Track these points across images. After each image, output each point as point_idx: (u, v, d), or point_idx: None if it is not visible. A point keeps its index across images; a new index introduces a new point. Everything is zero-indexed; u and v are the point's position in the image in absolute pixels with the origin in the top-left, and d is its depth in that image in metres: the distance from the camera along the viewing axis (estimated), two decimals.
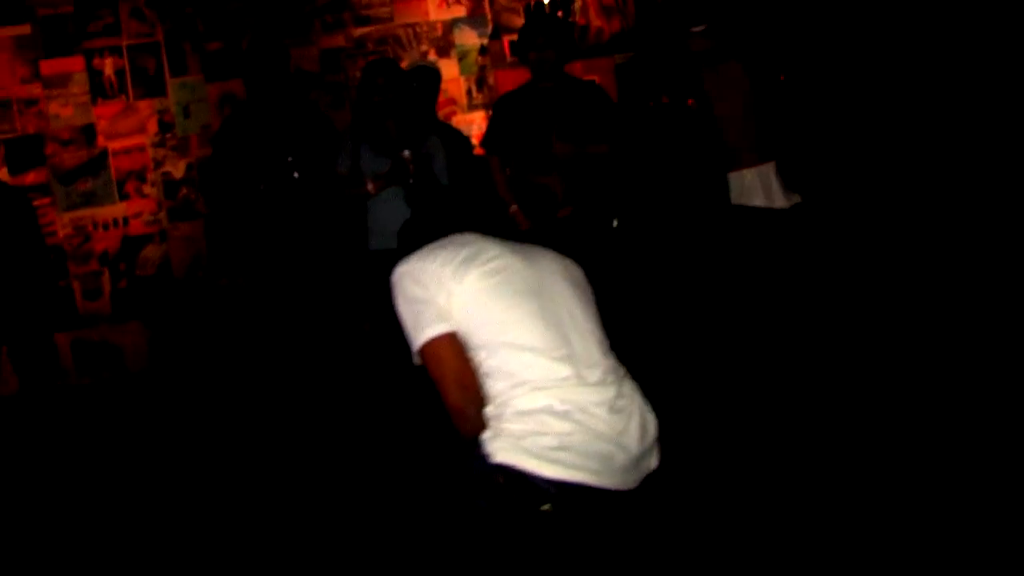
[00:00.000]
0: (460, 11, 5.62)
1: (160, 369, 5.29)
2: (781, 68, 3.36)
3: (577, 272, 2.09)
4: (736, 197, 3.49)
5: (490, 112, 4.66)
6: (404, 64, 4.73)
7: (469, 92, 5.69)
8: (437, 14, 5.60)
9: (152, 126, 5.29)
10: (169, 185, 5.35)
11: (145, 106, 5.27)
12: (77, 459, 3.97)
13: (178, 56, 5.29)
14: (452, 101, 5.58)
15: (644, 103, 3.51)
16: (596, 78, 4.82)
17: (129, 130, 5.25)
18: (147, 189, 5.31)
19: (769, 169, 3.45)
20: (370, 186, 3.82)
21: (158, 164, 5.32)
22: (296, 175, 3.92)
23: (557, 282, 1.99)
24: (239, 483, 3.56)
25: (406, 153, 3.73)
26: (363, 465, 3.50)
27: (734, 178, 3.47)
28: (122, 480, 3.75)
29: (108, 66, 5.20)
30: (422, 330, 1.89)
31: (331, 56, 5.51)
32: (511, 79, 5.07)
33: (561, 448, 1.77)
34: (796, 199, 3.49)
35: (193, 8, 5.27)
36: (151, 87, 5.28)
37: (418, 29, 5.58)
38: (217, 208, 4.80)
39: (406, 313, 1.94)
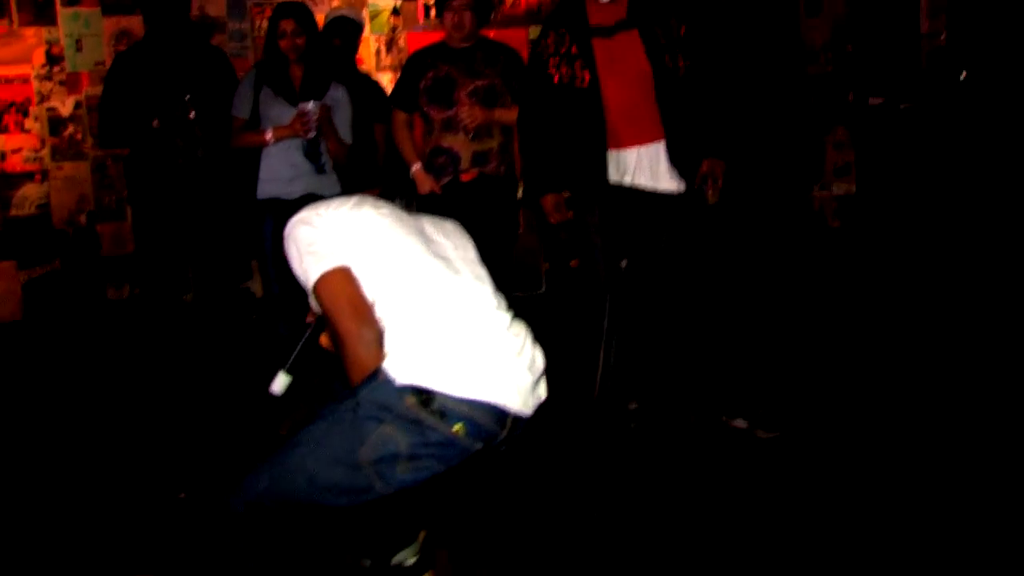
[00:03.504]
0: None
1: (34, 317, 5.02)
2: (683, 45, 3.21)
3: (460, 228, 2.19)
4: (617, 176, 3.24)
5: (399, 72, 4.56)
6: (320, 16, 4.57)
7: (378, 52, 5.58)
8: None
9: (39, 57, 4.98)
10: (54, 122, 5.06)
11: (31, 34, 4.94)
12: None
13: None
14: (361, 61, 5.45)
15: (546, 80, 3.33)
16: None
17: (11, 58, 4.91)
18: (29, 124, 5.00)
19: (658, 149, 3.19)
20: (269, 135, 3.69)
21: (43, 98, 5.02)
22: (192, 115, 3.76)
23: (442, 227, 2.12)
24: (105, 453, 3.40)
25: (309, 106, 3.61)
26: (246, 415, 3.37)
27: (616, 156, 3.23)
28: None
29: None
30: (317, 269, 1.88)
31: (238, 2, 5.31)
32: (422, 42, 4.98)
33: (469, 368, 1.79)
34: (683, 185, 3.22)
35: None
36: (40, 14, 4.96)
37: None
38: (110, 145, 4.58)
39: (301, 260, 1.92)
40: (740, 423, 3.21)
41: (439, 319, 1.84)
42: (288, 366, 2.04)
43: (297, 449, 1.81)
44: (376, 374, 1.80)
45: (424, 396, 1.76)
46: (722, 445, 3.13)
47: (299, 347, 2.06)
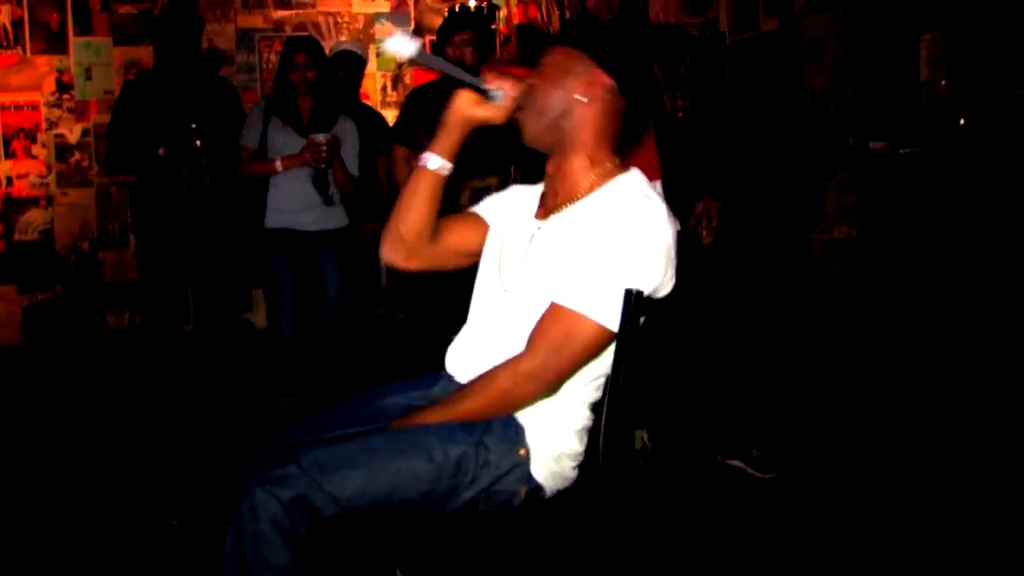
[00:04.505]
0: (384, 6, 5.57)
1: (34, 342, 5.02)
2: (683, 86, 3.25)
3: None
4: None
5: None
6: (328, 47, 4.64)
7: (384, 88, 5.64)
8: (360, 6, 5.55)
9: (49, 84, 5.06)
10: (61, 149, 5.11)
11: (43, 62, 5.03)
12: None
13: (84, 14, 5.06)
14: (366, 96, 5.51)
15: None
16: None
17: (22, 85, 4.99)
18: (36, 150, 5.06)
19: (654, 188, 3.30)
20: (278, 163, 3.73)
21: (51, 125, 5.07)
22: (198, 143, 3.79)
23: None
24: (106, 477, 3.39)
25: (319, 137, 3.66)
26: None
27: None
28: None
29: (4, 13, 4.94)
30: (612, 314, 1.60)
31: (247, 36, 5.39)
32: (428, 79, 5.04)
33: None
34: (678, 225, 3.35)
35: None
36: (52, 43, 5.04)
37: (339, 18, 5.51)
38: (115, 172, 4.61)
39: (620, 277, 1.60)
40: (737, 463, 3.20)
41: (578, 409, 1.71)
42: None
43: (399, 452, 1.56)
44: (518, 439, 1.63)
45: (534, 493, 1.64)
46: (720, 484, 3.12)
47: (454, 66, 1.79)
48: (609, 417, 1.64)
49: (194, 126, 3.79)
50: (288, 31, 5.40)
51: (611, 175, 1.74)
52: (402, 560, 1.77)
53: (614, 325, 1.56)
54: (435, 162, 1.75)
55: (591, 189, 1.72)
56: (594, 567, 1.69)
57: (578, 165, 1.74)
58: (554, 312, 1.60)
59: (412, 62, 1.67)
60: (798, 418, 3.62)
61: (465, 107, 1.72)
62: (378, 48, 5.61)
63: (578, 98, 1.69)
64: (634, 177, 1.75)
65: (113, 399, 4.24)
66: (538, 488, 1.65)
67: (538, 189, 1.88)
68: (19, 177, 5.02)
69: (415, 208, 1.78)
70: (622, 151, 1.78)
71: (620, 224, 1.61)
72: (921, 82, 4.37)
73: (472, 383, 1.65)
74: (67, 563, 2.61)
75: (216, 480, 3.07)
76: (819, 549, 2.60)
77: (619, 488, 1.72)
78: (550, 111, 1.70)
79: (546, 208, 1.78)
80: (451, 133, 1.74)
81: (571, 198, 1.73)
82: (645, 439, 3.27)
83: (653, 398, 3.28)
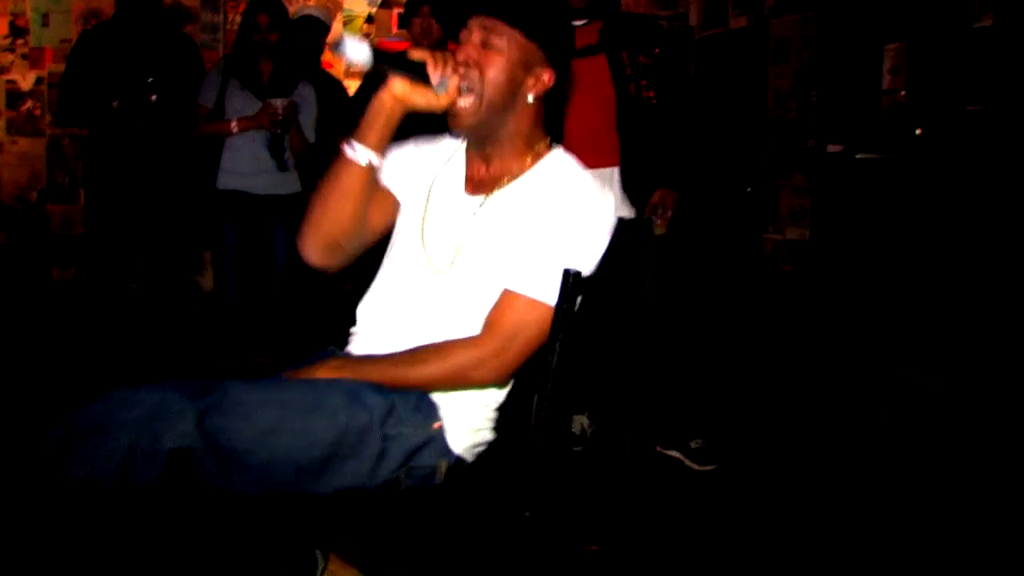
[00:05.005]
0: None
1: None
2: (649, 75, 3.24)
3: None
4: None
5: None
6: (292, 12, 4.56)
7: None
8: None
9: (2, 27, 4.91)
10: (13, 96, 4.98)
11: None
12: None
13: None
14: (329, 65, 5.44)
15: None
16: None
17: None
18: None
19: (612, 173, 3.20)
20: (233, 124, 3.67)
21: (3, 70, 4.94)
22: (154, 98, 3.72)
23: None
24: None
25: (277, 101, 3.60)
26: None
27: None
28: None
29: None
30: (552, 292, 1.59)
31: None
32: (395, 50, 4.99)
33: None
34: (634, 212, 3.24)
35: None
36: None
37: None
38: (68, 123, 4.51)
39: (561, 256, 1.59)
40: (674, 453, 3.23)
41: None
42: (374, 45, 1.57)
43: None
44: (432, 413, 1.61)
45: (456, 466, 1.64)
46: (657, 475, 3.15)
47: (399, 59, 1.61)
48: (543, 398, 1.64)
49: (151, 80, 3.72)
50: None
51: (544, 153, 1.71)
52: (322, 542, 1.68)
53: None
54: (363, 155, 1.62)
55: (528, 167, 1.69)
56: (519, 546, 1.70)
57: (513, 148, 1.70)
58: (509, 299, 1.58)
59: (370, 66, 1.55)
60: (739, 413, 3.66)
61: (400, 92, 1.59)
62: (347, 16, 5.55)
63: (529, 98, 1.66)
64: (564, 155, 1.73)
65: (53, 352, 4.16)
66: (459, 461, 1.64)
67: (443, 150, 1.80)
68: None
69: (346, 206, 1.65)
70: (549, 129, 1.75)
71: (570, 206, 1.60)
72: (882, 90, 4.44)
73: (423, 352, 1.59)
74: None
75: None
76: (753, 543, 2.64)
77: (550, 467, 1.72)
78: (496, 105, 1.63)
79: (477, 184, 1.72)
80: (382, 121, 1.61)
81: (507, 175, 1.69)
82: (585, 425, 3.29)
83: (596, 384, 3.29)
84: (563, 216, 1.59)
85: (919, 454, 3.28)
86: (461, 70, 1.60)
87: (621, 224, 3.24)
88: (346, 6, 5.53)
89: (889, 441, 3.42)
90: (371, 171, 1.63)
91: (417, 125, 1.74)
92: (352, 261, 1.76)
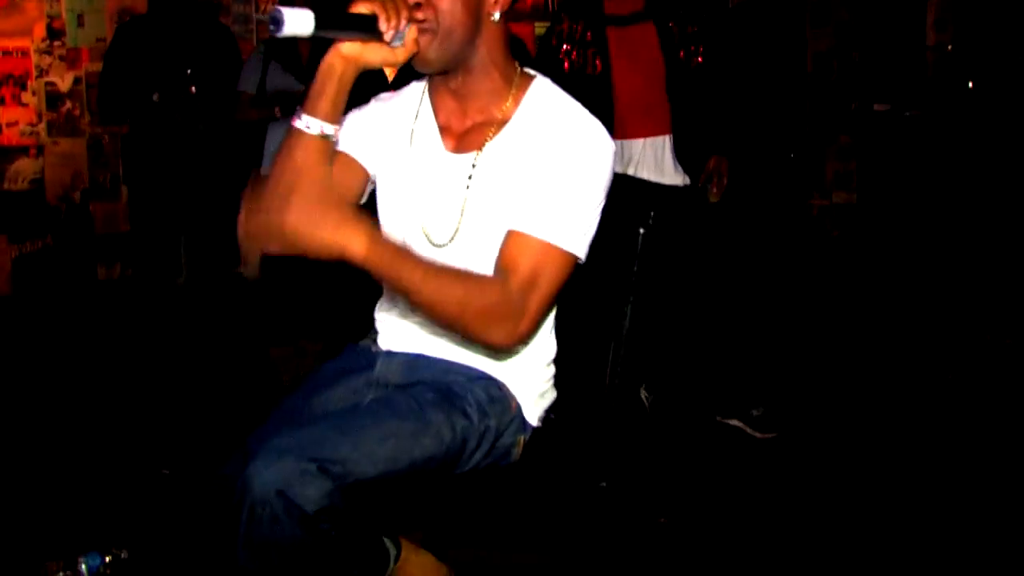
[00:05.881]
0: None
1: (23, 292, 4.96)
2: (697, 41, 3.19)
3: None
4: (620, 167, 3.15)
5: None
6: None
7: None
8: None
9: (39, 31, 4.94)
10: (52, 97, 5.01)
11: (33, 7, 4.91)
12: None
13: None
14: None
15: (556, 66, 3.27)
16: None
17: (12, 30, 4.87)
18: (26, 97, 4.96)
19: (664, 142, 3.16)
20: (277, 109, 3.67)
21: (42, 72, 4.97)
22: (193, 89, 3.71)
23: None
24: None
25: None
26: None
27: (622, 146, 3.14)
28: None
29: None
30: (583, 242, 1.52)
31: None
32: None
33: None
34: (687, 180, 3.19)
35: None
36: None
37: None
38: (108, 120, 4.53)
39: (583, 210, 1.49)
40: (736, 422, 3.18)
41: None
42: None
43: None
44: (505, 396, 1.58)
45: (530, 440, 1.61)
46: (720, 444, 3.10)
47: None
48: (616, 363, 1.61)
49: (189, 72, 3.71)
50: None
51: (525, 84, 1.55)
52: (404, 526, 1.68)
53: (583, 253, 1.46)
54: (315, 126, 1.41)
55: (512, 109, 1.53)
56: (596, 518, 1.67)
57: (489, 82, 1.53)
58: (522, 241, 1.43)
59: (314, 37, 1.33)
60: (798, 379, 3.60)
61: (350, 52, 1.40)
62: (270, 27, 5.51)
63: (495, 16, 1.49)
64: (545, 83, 1.57)
65: (103, 351, 4.19)
66: (534, 431, 1.62)
67: (406, 104, 1.63)
68: (8, 125, 4.92)
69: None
70: (514, 50, 1.58)
71: (572, 149, 1.46)
72: (927, 46, 4.33)
73: (463, 278, 1.40)
74: (60, 513, 2.58)
75: (207, 434, 3.05)
76: (816, 511, 2.59)
77: (624, 436, 1.69)
78: (459, 35, 1.46)
79: (459, 137, 1.55)
80: (333, 87, 1.41)
81: (494, 120, 1.53)
82: (644, 396, 3.25)
83: (653, 355, 3.25)
84: (567, 161, 1.45)
85: (993, 418, 3.20)
86: (417, 14, 1.41)
87: (676, 192, 3.23)
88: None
89: (960, 404, 3.33)
90: (327, 143, 1.43)
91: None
92: None
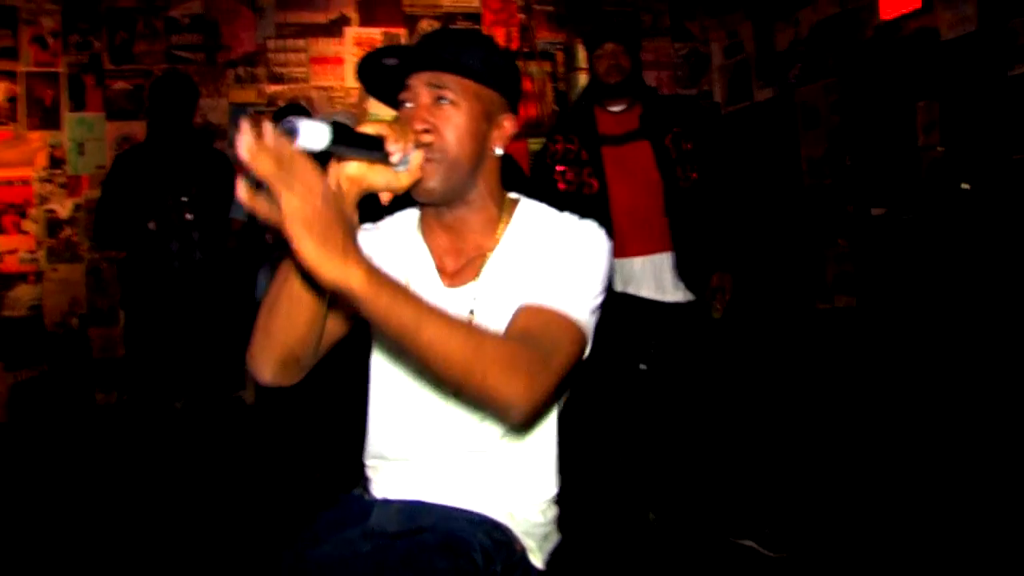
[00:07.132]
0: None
1: (19, 419, 4.89)
2: (692, 159, 3.22)
3: None
4: (622, 284, 3.18)
5: None
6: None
7: None
8: (354, 80, 5.54)
9: (41, 159, 5.02)
10: (52, 224, 5.05)
11: (36, 138, 5.01)
12: None
13: (78, 90, 5.06)
14: None
15: (551, 185, 3.28)
16: None
17: (15, 160, 4.95)
18: (27, 225, 5.00)
19: (663, 259, 3.17)
20: (268, 236, 3.67)
21: (43, 200, 5.03)
22: (189, 217, 3.73)
23: None
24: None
25: None
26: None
27: (621, 265, 3.17)
28: None
29: (0, 91, 4.94)
30: (589, 313, 1.47)
31: (240, 111, 5.38)
32: None
33: None
34: (690, 296, 3.18)
35: (102, 45, 5.08)
36: (46, 119, 5.03)
37: (332, 93, 5.51)
38: (105, 247, 4.55)
39: (592, 285, 1.47)
40: (748, 543, 3.07)
41: None
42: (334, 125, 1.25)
43: None
44: (509, 539, 1.50)
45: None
46: (731, 564, 2.98)
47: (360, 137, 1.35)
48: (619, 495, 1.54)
49: (185, 199, 3.74)
50: (282, 105, 5.39)
51: (512, 208, 1.55)
52: None
53: (589, 332, 1.42)
54: None
55: (503, 230, 1.53)
56: None
57: (485, 216, 1.53)
58: (532, 312, 1.38)
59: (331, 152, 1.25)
60: (808, 495, 3.50)
61: (355, 173, 1.36)
62: (372, 120, 5.61)
63: (497, 151, 1.51)
64: (530, 201, 1.57)
65: (101, 477, 4.10)
66: (539, 574, 1.54)
67: (396, 244, 1.59)
68: (8, 253, 4.95)
69: (301, 312, 1.38)
70: (506, 169, 1.58)
71: (566, 244, 1.46)
72: (919, 147, 4.36)
73: (475, 326, 1.30)
74: None
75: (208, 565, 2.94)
76: None
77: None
78: (464, 166, 1.46)
79: (454, 273, 1.54)
80: None
81: (483, 248, 1.53)
82: (651, 518, 3.15)
83: (659, 475, 3.16)
84: (564, 248, 1.45)
85: (1003, 511, 3.09)
86: (424, 138, 1.42)
87: (678, 309, 3.20)
88: (371, 111, 5.59)
89: (970, 504, 3.23)
90: None
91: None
92: (304, 375, 1.49)
